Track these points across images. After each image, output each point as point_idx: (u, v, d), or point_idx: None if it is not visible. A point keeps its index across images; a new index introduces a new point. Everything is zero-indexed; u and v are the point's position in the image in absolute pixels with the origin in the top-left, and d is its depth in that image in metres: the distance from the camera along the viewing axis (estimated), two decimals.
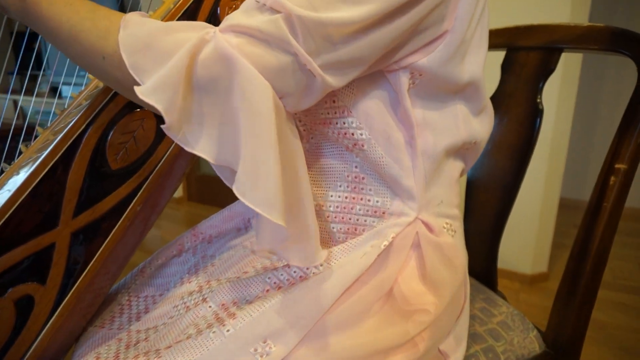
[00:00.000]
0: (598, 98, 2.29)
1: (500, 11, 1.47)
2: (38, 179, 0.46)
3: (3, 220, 0.45)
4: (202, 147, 0.40)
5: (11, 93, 4.15)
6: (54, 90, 3.92)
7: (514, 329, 0.65)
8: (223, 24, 0.40)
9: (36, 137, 0.54)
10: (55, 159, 0.47)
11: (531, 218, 1.58)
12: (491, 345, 0.61)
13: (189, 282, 0.59)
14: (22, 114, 3.97)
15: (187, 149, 0.40)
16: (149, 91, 0.37)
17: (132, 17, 0.42)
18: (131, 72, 0.39)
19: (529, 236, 1.59)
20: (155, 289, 0.63)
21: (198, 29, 0.40)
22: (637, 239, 2.03)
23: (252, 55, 0.38)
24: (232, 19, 0.39)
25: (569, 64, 1.45)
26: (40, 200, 0.47)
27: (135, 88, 0.38)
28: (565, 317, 0.64)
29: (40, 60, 4.08)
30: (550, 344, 0.65)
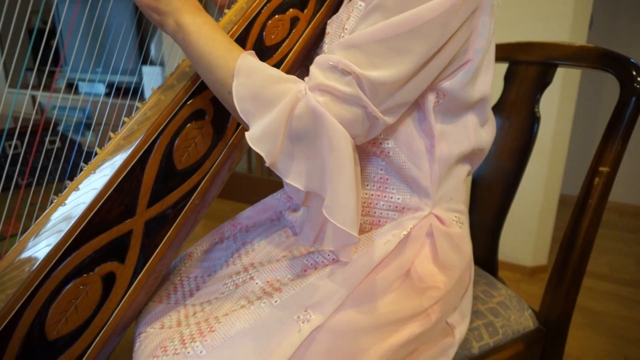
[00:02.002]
0: (596, 104, 2.37)
1: (504, 25, 1.56)
2: (121, 178, 0.56)
3: (94, 211, 0.55)
4: (292, 178, 0.52)
5: (27, 88, 4.26)
6: (69, 86, 4.02)
7: (512, 308, 0.75)
8: (310, 83, 0.51)
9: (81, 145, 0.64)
10: (134, 161, 0.57)
11: (532, 214, 1.67)
12: (491, 320, 0.71)
13: (234, 264, 0.69)
14: (40, 109, 4.07)
15: (285, 179, 0.52)
16: (255, 140, 0.50)
17: (242, 64, 0.52)
18: (241, 115, 0.51)
19: (531, 231, 1.69)
20: (203, 271, 0.74)
21: (291, 81, 0.52)
22: (636, 235, 2.11)
23: (334, 111, 0.49)
24: (316, 78, 0.50)
25: (570, 72, 1.53)
26: (122, 194, 0.57)
27: (246, 134, 0.51)
28: (555, 299, 0.73)
29: (58, 56, 4.18)
30: (542, 321, 0.75)
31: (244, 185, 2.53)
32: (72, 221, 0.55)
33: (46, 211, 0.61)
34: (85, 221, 0.55)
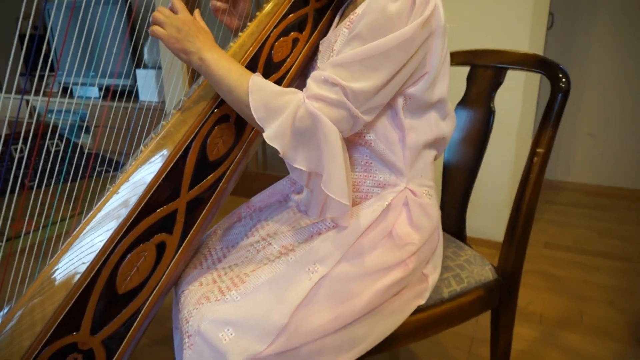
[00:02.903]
0: None
1: (467, 33, 1.75)
2: (168, 169, 0.73)
3: (150, 193, 0.72)
4: (299, 163, 0.69)
5: (21, 93, 4.36)
6: (64, 90, 4.12)
7: (475, 264, 0.93)
8: (308, 93, 0.68)
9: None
10: (178, 155, 0.74)
11: (503, 197, 1.87)
12: (458, 273, 0.90)
13: (253, 236, 0.87)
14: (35, 113, 4.16)
15: (292, 164, 0.69)
16: (270, 138, 0.68)
17: (253, 84, 0.70)
18: (257, 122, 0.69)
19: (501, 210, 1.89)
20: (227, 243, 0.91)
21: (291, 93, 0.69)
22: (599, 212, 2.34)
23: (327, 113, 0.67)
24: (312, 89, 0.68)
25: (530, 75, 1.72)
26: (169, 181, 0.74)
27: (263, 135, 0.68)
28: (508, 256, 0.92)
29: (51, 61, 4.26)
30: (499, 274, 0.94)
31: (241, 180, 2.69)
32: (132, 204, 0.72)
33: (103, 198, 0.77)
34: (142, 203, 0.72)
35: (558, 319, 1.44)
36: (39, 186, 2.58)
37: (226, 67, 0.72)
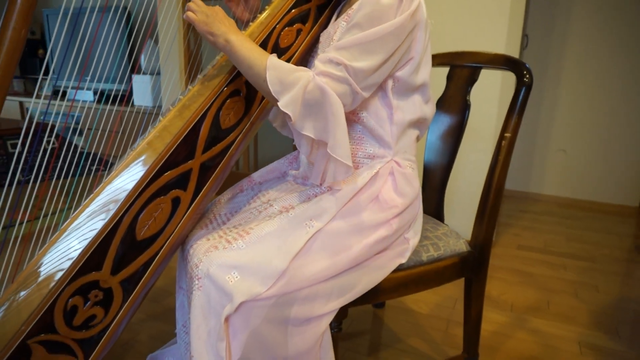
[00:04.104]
0: (539, 103, 2.78)
1: (448, 35, 1.91)
2: (186, 132, 0.84)
3: (170, 152, 0.82)
4: (307, 130, 0.80)
5: (16, 96, 4.41)
6: (56, 93, 4.18)
7: (451, 237, 1.05)
8: (316, 71, 0.80)
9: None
10: (195, 121, 0.85)
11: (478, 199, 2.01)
12: (436, 242, 1.01)
13: (255, 202, 0.98)
14: (27, 114, 4.20)
15: (300, 131, 0.80)
16: (284, 105, 0.78)
17: (270, 62, 0.80)
18: (273, 94, 0.79)
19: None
20: (230, 209, 1.01)
21: (302, 71, 0.80)
22: (568, 220, 2.50)
23: (333, 87, 0.78)
24: (320, 68, 0.79)
25: (507, 79, 1.89)
26: (187, 143, 0.84)
27: (278, 103, 0.79)
28: (480, 231, 1.04)
29: (47, 65, 4.33)
30: (472, 246, 1.06)
31: (232, 179, 2.79)
32: (151, 162, 0.82)
33: (125, 159, 0.87)
34: (162, 161, 0.82)
35: (527, 307, 1.56)
36: (34, 181, 2.63)
37: (248, 47, 0.84)
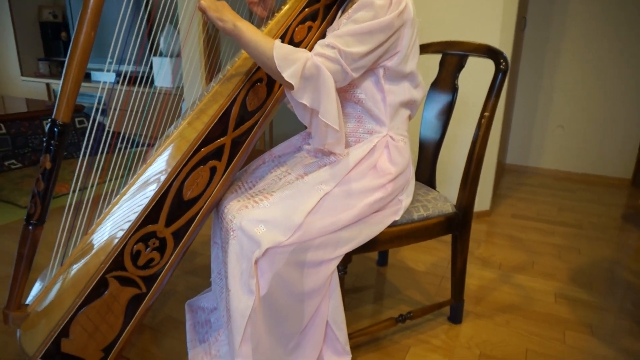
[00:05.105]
0: (538, 82, 2.91)
1: (446, 21, 2.06)
2: (221, 113, 1.04)
3: (208, 130, 1.03)
4: (305, 99, 0.98)
5: (43, 77, 4.66)
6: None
7: (440, 200, 1.25)
8: (314, 52, 0.98)
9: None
10: (227, 105, 1.05)
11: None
12: (426, 204, 1.21)
13: (275, 171, 1.18)
14: (54, 96, 4.45)
15: (299, 100, 0.98)
16: (288, 75, 0.96)
17: (276, 43, 0.98)
18: (278, 69, 0.97)
19: None
20: (255, 177, 1.22)
21: (302, 52, 0.98)
22: (562, 192, 2.66)
23: (327, 65, 0.96)
24: (316, 50, 0.97)
25: None
26: (221, 123, 1.05)
27: (284, 74, 0.96)
28: (463, 195, 1.24)
29: (67, 47, 4.53)
30: (457, 208, 1.25)
31: (252, 154, 3.02)
32: (193, 138, 1.03)
33: (173, 135, 1.07)
34: (202, 137, 1.03)
35: (513, 266, 1.76)
36: (67, 157, 2.87)
37: (253, 31, 1.01)
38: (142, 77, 3.98)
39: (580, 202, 2.50)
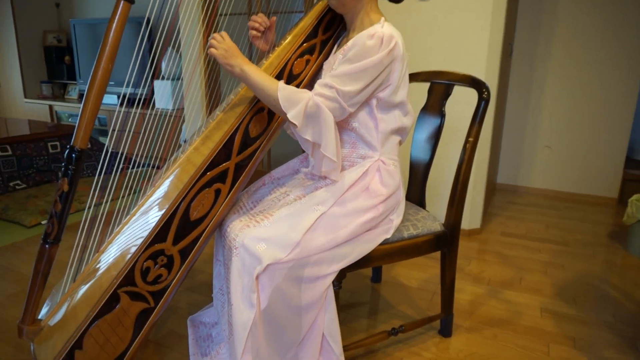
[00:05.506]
0: (526, 105, 3.03)
1: (436, 50, 2.18)
2: (225, 140, 1.13)
3: (213, 155, 1.12)
4: (308, 135, 1.08)
5: (46, 99, 4.76)
6: (82, 96, 4.57)
7: (429, 219, 1.34)
8: (315, 92, 1.08)
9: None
10: (230, 132, 1.14)
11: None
12: (415, 223, 1.30)
13: (275, 193, 1.27)
14: (57, 118, 4.55)
15: (303, 136, 1.08)
16: (292, 117, 1.06)
17: (280, 85, 1.08)
18: (283, 109, 1.07)
19: (466, 204, 2.29)
20: (256, 199, 1.31)
21: (304, 92, 1.08)
22: (550, 210, 2.76)
23: (326, 104, 1.07)
24: (316, 90, 1.08)
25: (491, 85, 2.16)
26: (226, 148, 1.13)
27: (288, 115, 1.06)
28: (451, 215, 1.33)
29: (72, 71, 4.66)
30: (445, 227, 1.34)
31: (254, 176, 3.11)
32: (199, 163, 1.12)
33: (180, 159, 1.16)
34: (208, 162, 1.12)
35: (502, 282, 1.84)
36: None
37: (259, 75, 1.12)
38: (143, 99, 4.10)
39: (567, 220, 2.59)
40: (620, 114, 2.81)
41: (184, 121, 3.33)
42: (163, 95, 3.77)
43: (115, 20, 1.00)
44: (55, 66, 4.79)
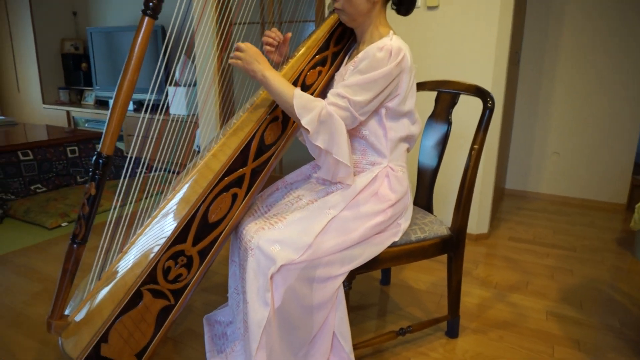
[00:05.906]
0: (535, 112, 3.07)
1: (440, 62, 2.24)
2: (242, 147, 1.20)
3: (231, 162, 1.18)
4: (319, 142, 1.14)
5: (63, 105, 4.89)
6: (97, 103, 4.72)
7: (435, 223, 1.39)
8: (328, 101, 1.14)
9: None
10: (247, 141, 1.20)
11: (475, 198, 2.32)
12: (423, 227, 1.35)
13: (288, 197, 1.33)
14: (74, 123, 4.67)
15: (314, 142, 1.14)
16: (306, 123, 1.12)
17: (297, 92, 1.15)
18: (298, 116, 1.13)
19: (474, 210, 2.33)
20: (270, 203, 1.37)
21: (318, 100, 1.15)
22: (558, 216, 2.78)
23: (338, 113, 1.13)
24: (329, 99, 1.14)
25: (495, 96, 2.20)
26: (242, 155, 1.20)
27: (302, 121, 1.12)
28: (457, 219, 1.37)
29: (89, 78, 4.78)
30: (451, 231, 1.39)
31: (268, 181, 3.18)
32: (217, 169, 1.18)
33: (199, 165, 1.23)
34: (226, 168, 1.18)
35: (509, 286, 1.88)
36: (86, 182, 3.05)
37: (279, 81, 1.18)
38: (157, 105, 4.20)
39: (575, 226, 2.62)
40: (627, 120, 2.83)
41: (197, 127, 3.41)
42: (178, 101, 3.87)
43: (141, 35, 1.07)
44: (73, 73, 4.93)
